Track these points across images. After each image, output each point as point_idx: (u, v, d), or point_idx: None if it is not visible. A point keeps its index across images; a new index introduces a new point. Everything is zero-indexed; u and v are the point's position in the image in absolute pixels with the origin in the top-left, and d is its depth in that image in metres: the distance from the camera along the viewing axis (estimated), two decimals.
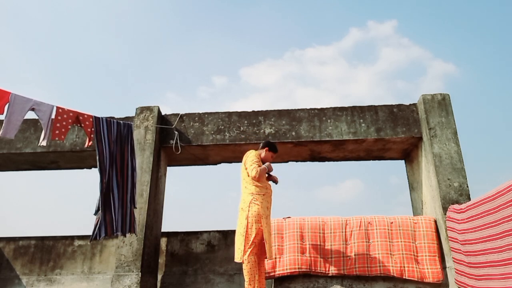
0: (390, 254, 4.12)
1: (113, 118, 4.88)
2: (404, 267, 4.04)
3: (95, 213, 3.46)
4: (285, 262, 4.15)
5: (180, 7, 20.87)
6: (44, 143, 3.21)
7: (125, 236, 3.77)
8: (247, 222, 3.32)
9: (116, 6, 19.63)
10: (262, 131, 4.98)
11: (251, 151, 3.64)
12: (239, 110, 5.15)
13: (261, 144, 3.78)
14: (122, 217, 3.63)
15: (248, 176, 3.49)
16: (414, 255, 4.12)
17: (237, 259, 3.33)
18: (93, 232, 3.39)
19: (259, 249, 3.40)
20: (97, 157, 3.50)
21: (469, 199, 4.18)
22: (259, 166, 3.49)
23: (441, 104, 4.73)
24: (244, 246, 3.29)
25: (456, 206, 4.01)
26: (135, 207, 3.78)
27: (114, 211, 3.53)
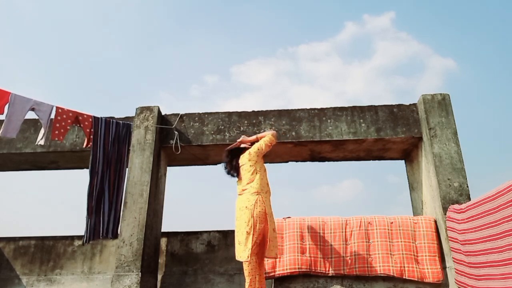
0: (390, 254, 4.12)
1: (113, 118, 4.88)
2: (404, 267, 4.04)
3: (86, 216, 3.46)
4: (285, 262, 4.15)
5: (170, 5, 20.83)
6: (42, 142, 3.21)
7: (113, 238, 3.75)
8: (253, 221, 3.26)
9: (109, 4, 19.62)
10: (262, 131, 4.98)
11: (249, 149, 3.66)
12: (239, 110, 5.15)
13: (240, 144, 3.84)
14: (115, 219, 3.62)
15: (254, 171, 3.48)
16: (414, 255, 4.12)
17: (244, 258, 3.21)
18: (84, 236, 3.38)
19: (259, 250, 3.39)
20: (90, 159, 3.50)
21: (469, 199, 4.18)
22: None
23: (441, 104, 4.73)
24: (252, 246, 3.23)
25: (456, 206, 4.01)
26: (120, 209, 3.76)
27: (103, 214, 3.51)
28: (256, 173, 3.48)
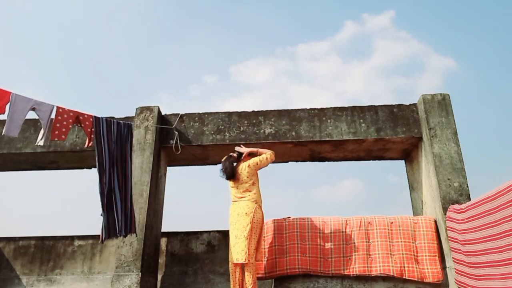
0: (390, 254, 4.12)
1: (113, 118, 4.88)
2: (404, 267, 4.04)
3: (101, 214, 3.47)
4: (285, 262, 4.15)
5: (170, 5, 20.79)
6: (41, 143, 3.21)
7: (125, 236, 3.78)
8: (252, 227, 3.57)
9: (109, 4, 19.59)
10: (262, 131, 4.98)
11: (248, 161, 3.89)
12: (239, 110, 5.15)
13: (237, 155, 4.00)
14: (126, 217, 3.64)
15: (252, 182, 3.76)
16: (414, 255, 4.12)
17: (242, 260, 3.50)
18: (101, 234, 3.40)
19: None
20: (96, 158, 3.50)
21: (469, 199, 4.18)
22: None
23: (441, 104, 4.73)
24: (249, 249, 3.52)
25: (456, 206, 4.01)
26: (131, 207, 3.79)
27: (116, 212, 3.54)
28: (253, 184, 3.77)
